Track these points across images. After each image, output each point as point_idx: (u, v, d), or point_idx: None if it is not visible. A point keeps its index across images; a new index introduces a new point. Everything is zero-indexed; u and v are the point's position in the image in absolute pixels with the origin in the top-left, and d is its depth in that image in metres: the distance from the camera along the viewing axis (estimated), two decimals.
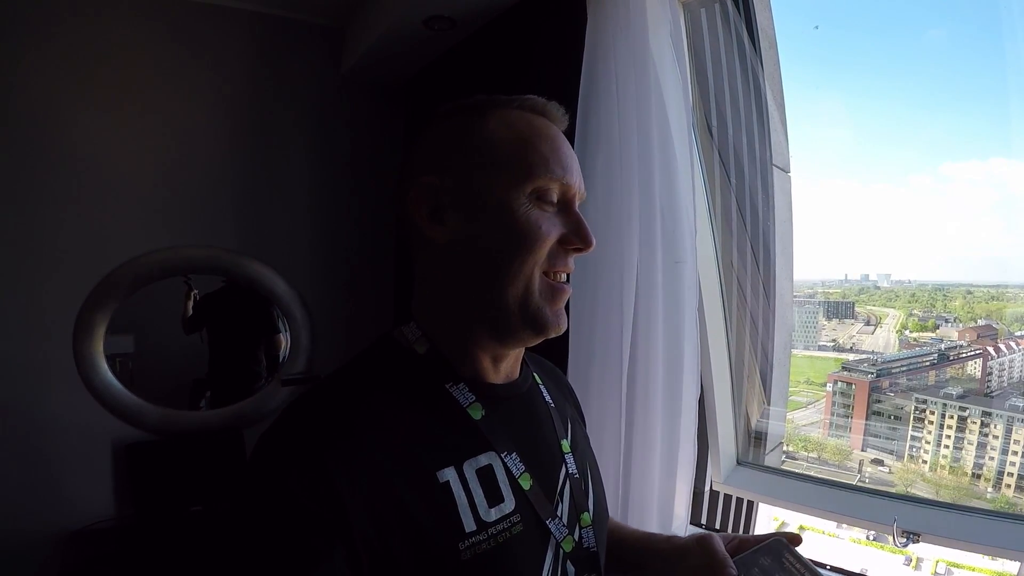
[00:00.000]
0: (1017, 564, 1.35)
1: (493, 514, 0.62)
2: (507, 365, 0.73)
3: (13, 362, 1.96)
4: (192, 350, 2.30)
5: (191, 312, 2.28)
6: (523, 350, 0.76)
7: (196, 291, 2.27)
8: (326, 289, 2.50)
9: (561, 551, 0.67)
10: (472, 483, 0.62)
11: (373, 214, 2.59)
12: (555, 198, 0.69)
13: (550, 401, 0.80)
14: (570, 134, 1.42)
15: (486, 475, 0.64)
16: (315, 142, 2.47)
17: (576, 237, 0.69)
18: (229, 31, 2.27)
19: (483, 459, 0.64)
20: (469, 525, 0.60)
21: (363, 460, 0.57)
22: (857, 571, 1.36)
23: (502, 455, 0.66)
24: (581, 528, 0.71)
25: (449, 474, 0.61)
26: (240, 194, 2.34)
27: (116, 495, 2.10)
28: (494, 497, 0.63)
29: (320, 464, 0.55)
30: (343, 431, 0.58)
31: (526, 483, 0.66)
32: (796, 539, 0.71)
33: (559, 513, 0.69)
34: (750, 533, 0.79)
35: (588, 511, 0.74)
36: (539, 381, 0.81)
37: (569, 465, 0.74)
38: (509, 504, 0.64)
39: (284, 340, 2.44)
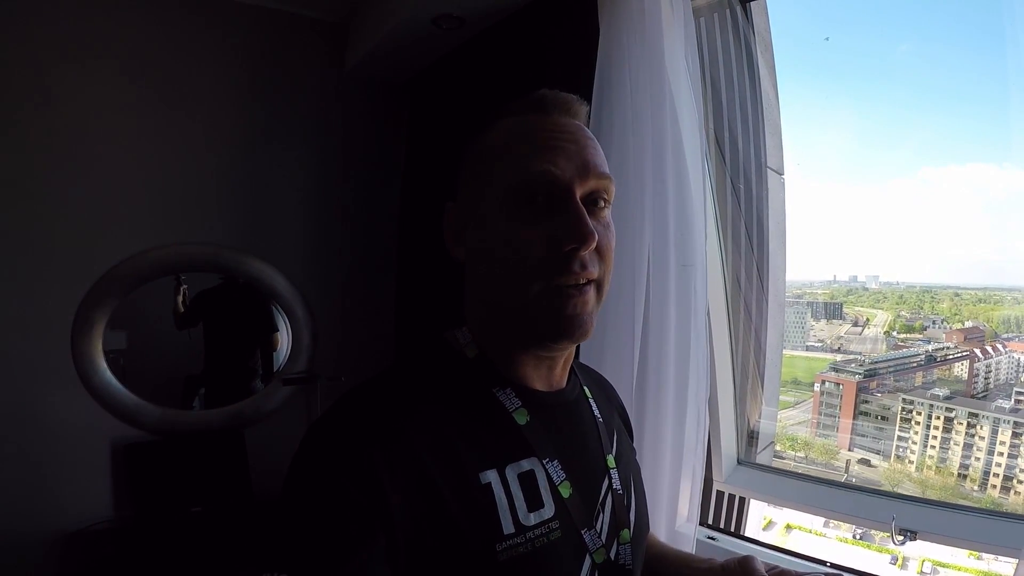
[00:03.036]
0: (1010, 565, 1.39)
1: (532, 519, 0.62)
2: (551, 372, 0.73)
3: (9, 360, 1.93)
4: (183, 347, 2.28)
5: (183, 308, 2.25)
6: (571, 357, 0.76)
7: (186, 287, 2.24)
8: (327, 288, 2.49)
9: (592, 562, 0.67)
10: (513, 486, 0.62)
11: (375, 213, 2.58)
12: (540, 198, 0.64)
13: (598, 415, 0.78)
14: None
15: (527, 480, 0.64)
16: (317, 139, 2.45)
17: (568, 236, 0.62)
18: (231, 26, 2.24)
19: (525, 464, 0.64)
20: (508, 527, 0.60)
21: (407, 457, 0.57)
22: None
23: (544, 461, 0.66)
24: (620, 544, 0.71)
25: (491, 476, 0.61)
26: (241, 192, 2.32)
27: (115, 496, 2.07)
28: (534, 502, 0.63)
29: (367, 457, 0.56)
30: (390, 428, 0.59)
31: (566, 491, 0.66)
32: None
33: (598, 526, 0.69)
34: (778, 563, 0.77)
35: (628, 528, 0.73)
36: (588, 394, 0.79)
37: (613, 480, 0.74)
38: (549, 510, 0.63)
39: (281, 338, 2.43)
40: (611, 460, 0.75)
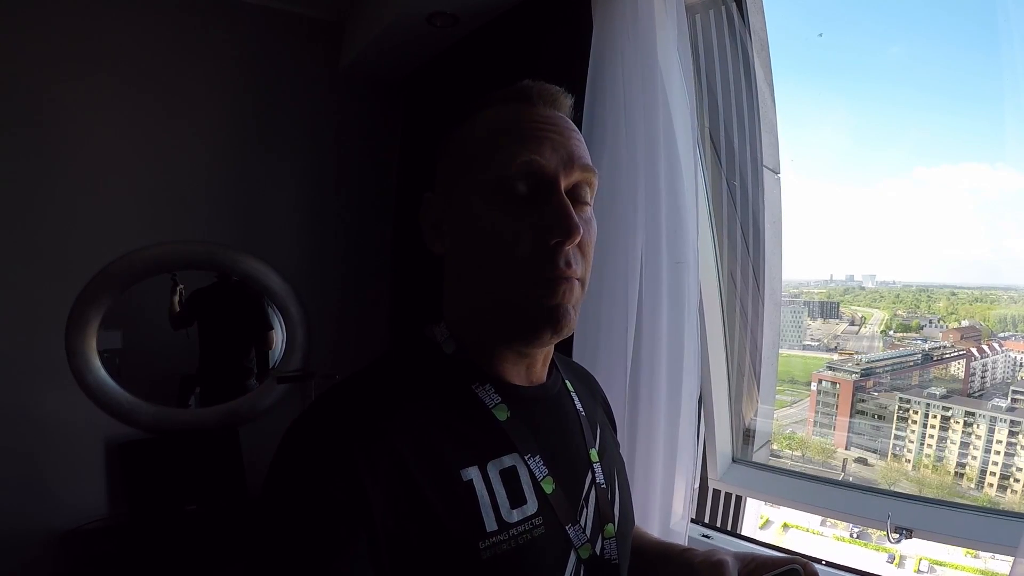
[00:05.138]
0: (1005, 562, 1.38)
1: (515, 515, 0.61)
2: (532, 368, 0.72)
3: (4, 358, 1.93)
4: (178, 346, 2.28)
5: (179, 308, 2.25)
6: (550, 353, 0.75)
7: (182, 286, 2.24)
8: (322, 285, 2.49)
9: (578, 557, 0.66)
10: (495, 483, 0.61)
11: (370, 211, 2.58)
12: (524, 189, 0.63)
13: (580, 409, 0.78)
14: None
15: (509, 476, 0.63)
16: (311, 137, 2.45)
17: (554, 229, 0.61)
18: (225, 24, 2.25)
19: (507, 460, 0.64)
20: (491, 525, 0.59)
21: (387, 455, 0.57)
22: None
23: (525, 457, 0.65)
24: (605, 539, 0.70)
25: (472, 473, 0.61)
26: (235, 190, 2.32)
27: (109, 494, 2.07)
28: (517, 499, 0.62)
29: (347, 456, 0.55)
30: (370, 426, 0.58)
31: (548, 487, 0.65)
32: (812, 572, 0.67)
33: (582, 521, 0.68)
34: (766, 554, 0.75)
35: (613, 522, 0.72)
36: (570, 388, 0.79)
37: (597, 474, 0.73)
38: (531, 506, 0.63)
39: (276, 336, 2.43)
40: (594, 454, 0.75)
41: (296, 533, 0.53)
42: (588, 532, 0.68)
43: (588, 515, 0.69)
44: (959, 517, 1.38)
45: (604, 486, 0.73)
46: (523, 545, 0.60)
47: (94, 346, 2.04)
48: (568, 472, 0.69)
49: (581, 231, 0.62)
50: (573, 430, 0.75)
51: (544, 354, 0.73)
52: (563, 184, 0.64)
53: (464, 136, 0.69)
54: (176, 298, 2.24)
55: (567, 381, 0.79)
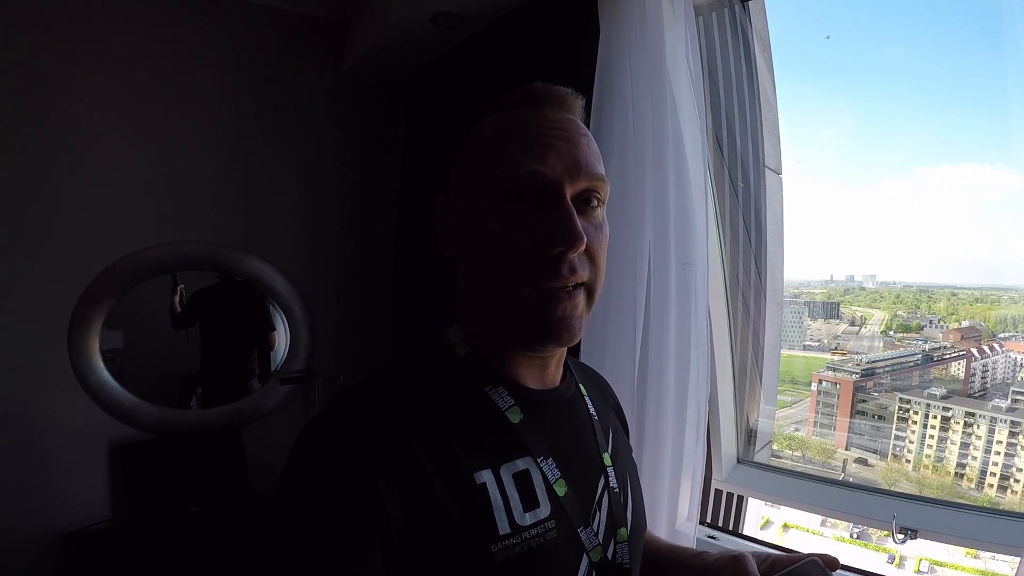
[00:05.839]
0: (1009, 563, 1.39)
1: (528, 518, 0.61)
2: (544, 371, 0.72)
3: (6, 359, 1.91)
4: (180, 346, 2.26)
5: (180, 308, 2.24)
6: (563, 355, 0.75)
7: (183, 286, 2.23)
8: (325, 286, 2.49)
9: (590, 561, 0.66)
10: (508, 486, 0.62)
11: (373, 211, 2.58)
12: (530, 197, 0.63)
13: (594, 413, 0.78)
14: None
15: (522, 479, 0.63)
16: (315, 137, 2.44)
17: (556, 239, 0.61)
18: (228, 24, 2.23)
19: (520, 463, 0.64)
20: (503, 527, 0.59)
21: (402, 457, 0.57)
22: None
23: (538, 460, 0.65)
24: (617, 543, 0.70)
25: (486, 476, 0.61)
26: (237, 190, 2.31)
27: (112, 496, 2.06)
28: (530, 502, 0.63)
29: (361, 457, 0.55)
30: (385, 428, 0.59)
31: (561, 490, 0.65)
32: (833, 562, 0.69)
33: (595, 524, 0.68)
34: (757, 545, 0.77)
35: (626, 526, 0.72)
36: (584, 392, 0.79)
37: (610, 478, 0.73)
38: (544, 510, 0.63)
39: (279, 337, 2.43)
40: (607, 458, 0.75)
41: (309, 534, 0.53)
42: (600, 536, 0.68)
43: (601, 519, 0.70)
44: (964, 517, 1.38)
45: (617, 490, 0.74)
46: (536, 548, 0.61)
47: (97, 347, 2.03)
48: (581, 475, 0.70)
49: (585, 240, 0.62)
50: (586, 434, 0.75)
51: (557, 357, 0.73)
52: (569, 192, 0.63)
53: (473, 141, 0.69)
54: (176, 298, 2.23)
55: (580, 385, 0.80)
